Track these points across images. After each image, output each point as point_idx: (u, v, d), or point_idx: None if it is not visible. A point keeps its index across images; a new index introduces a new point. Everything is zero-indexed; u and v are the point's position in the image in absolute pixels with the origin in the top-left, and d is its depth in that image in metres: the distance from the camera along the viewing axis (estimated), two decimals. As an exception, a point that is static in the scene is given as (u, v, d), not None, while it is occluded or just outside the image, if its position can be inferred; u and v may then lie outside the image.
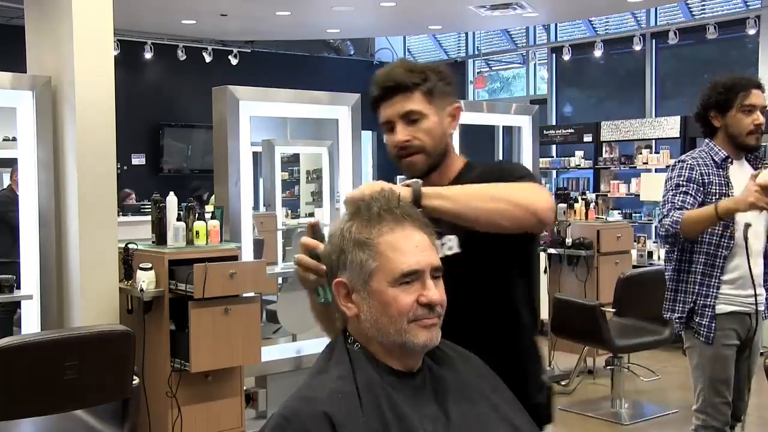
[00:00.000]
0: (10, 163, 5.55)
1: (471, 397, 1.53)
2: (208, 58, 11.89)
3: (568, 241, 5.90)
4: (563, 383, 5.51)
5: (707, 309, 3.01)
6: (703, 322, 3.02)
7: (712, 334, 3.01)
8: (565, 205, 6.27)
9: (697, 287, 3.03)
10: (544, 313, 5.69)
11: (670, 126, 9.63)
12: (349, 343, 1.53)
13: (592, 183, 10.69)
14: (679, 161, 3.07)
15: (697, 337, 3.04)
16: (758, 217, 3.03)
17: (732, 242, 2.97)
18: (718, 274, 2.98)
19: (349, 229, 1.49)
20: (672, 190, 2.99)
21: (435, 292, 1.47)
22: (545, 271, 6.02)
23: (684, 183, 2.98)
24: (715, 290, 3.00)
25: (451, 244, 1.75)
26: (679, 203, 2.94)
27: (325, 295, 1.56)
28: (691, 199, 2.94)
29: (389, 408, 1.43)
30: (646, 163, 9.79)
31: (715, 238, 2.98)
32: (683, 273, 3.07)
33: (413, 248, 1.47)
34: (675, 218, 2.89)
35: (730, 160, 3.01)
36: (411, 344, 1.46)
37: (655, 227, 3.09)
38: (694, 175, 2.98)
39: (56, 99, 3.87)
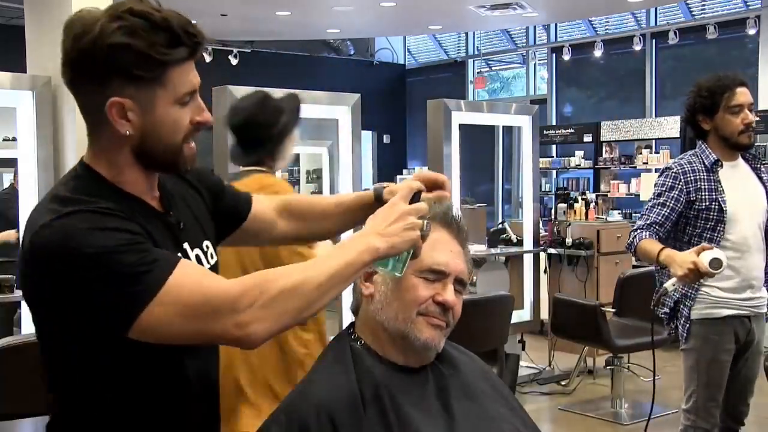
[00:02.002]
0: (10, 163, 5.55)
1: (473, 396, 1.54)
2: (208, 58, 11.87)
3: (568, 241, 5.90)
4: (563, 383, 5.51)
5: (684, 309, 3.01)
6: (680, 321, 3.02)
7: (685, 334, 3.01)
8: (565, 205, 6.27)
9: (679, 286, 3.00)
10: (544, 313, 5.69)
11: (670, 126, 9.64)
12: (352, 339, 1.53)
13: (592, 183, 10.70)
14: (666, 168, 3.07)
15: (680, 339, 3.04)
16: (756, 216, 3.02)
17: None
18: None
19: None
20: (653, 198, 3.02)
21: (452, 295, 1.50)
22: (545, 271, 6.02)
23: (665, 192, 2.99)
24: (693, 291, 2.98)
25: (212, 251, 1.48)
26: (653, 216, 2.96)
27: (400, 265, 1.37)
28: (667, 210, 2.96)
29: (391, 405, 1.43)
30: (646, 163, 9.80)
31: (704, 241, 2.93)
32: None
33: (448, 251, 1.52)
34: (634, 241, 2.95)
35: (720, 163, 2.99)
36: (413, 337, 1.47)
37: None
38: (677, 184, 2.97)
39: (56, 99, 3.87)
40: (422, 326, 1.48)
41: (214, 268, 1.46)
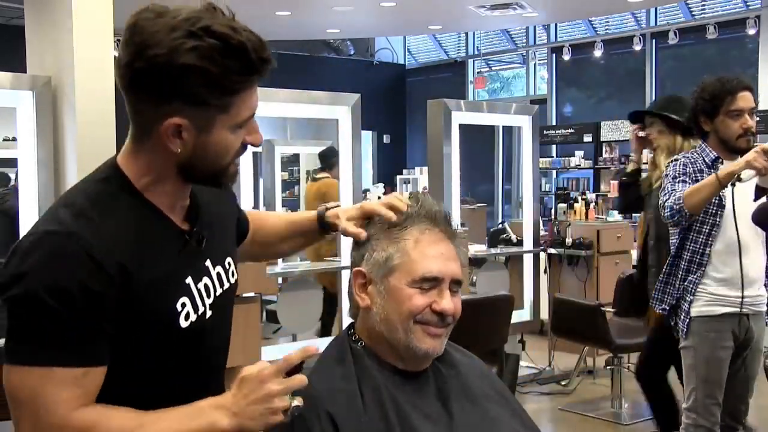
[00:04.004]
0: (10, 163, 5.55)
1: (473, 398, 1.53)
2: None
3: (568, 241, 5.90)
4: (563, 383, 5.51)
5: (685, 303, 3.03)
6: (680, 317, 3.05)
7: (685, 329, 3.03)
8: (565, 205, 6.27)
9: (679, 282, 3.05)
10: (544, 313, 5.69)
11: (670, 126, 9.62)
12: (352, 341, 1.53)
13: (592, 183, 10.69)
14: (673, 160, 3.12)
15: (680, 335, 3.07)
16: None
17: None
18: (701, 270, 2.99)
19: (380, 219, 1.52)
20: (671, 182, 3.03)
21: (449, 302, 1.47)
22: (545, 271, 6.02)
23: (680, 174, 3.02)
24: (693, 286, 3.00)
25: (233, 268, 1.46)
26: (678, 188, 2.97)
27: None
28: (689, 186, 2.95)
29: (392, 407, 1.43)
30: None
31: (702, 236, 2.98)
32: (673, 267, 3.10)
33: (438, 254, 1.48)
34: (677, 195, 2.91)
35: (720, 160, 3.02)
36: (415, 348, 1.47)
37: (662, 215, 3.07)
38: (687, 170, 3.01)
39: (56, 99, 3.87)
40: (421, 336, 1.46)
41: (234, 287, 1.44)
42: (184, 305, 1.29)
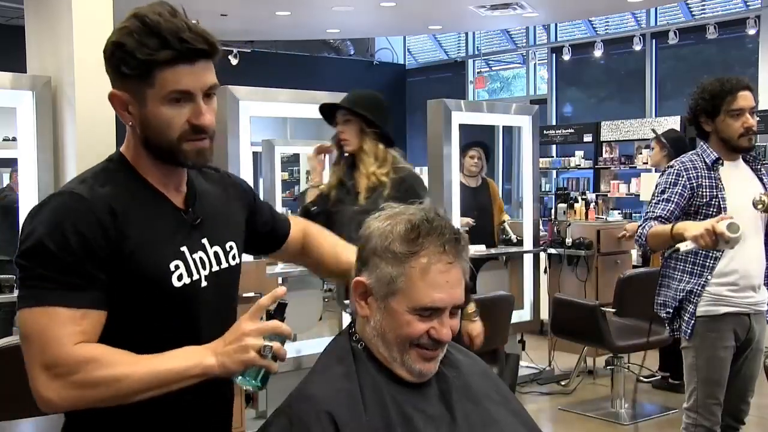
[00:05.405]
0: (10, 163, 5.55)
1: (476, 398, 1.53)
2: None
3: (568, 241, 5.89)
4: (563, 383, 5.51)
5: (689, 305, 3.03)
6: (684, 318, 3.05)
7: (689, 330, 3.02)
8: (565, 205, 6.27)
9: (683, 284, 3.05)
10: (544, 313, 5.69)
11: (670, 126, 9.63)
12: (353, 341, 1.53)
13: (592, 183, 10.69)
14: (668, 166, 3.12)
15: (683, 336, 3.07)
16: (756, 215, 3.04)
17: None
18: (706, 273, 3.00)
19: (390, 233, 1.47)
20: (657, 195, 3.05)
21: (448, 331, 1.46)
22: (545, 271, 6.02)
23: (668, 188, 3.02)
24: (699, 288, 3.01)
25: (235, 252, 1.56)
26: (658, 212, 2.99)
27: (252, 381, 1.35)
28: (672, 205, 2.99)
29: (393, 407, 1.43)
30: (646, 163, 9.79)
31: None
32: (676, 270, 3.10)
33: (443, 283, 1.44)
34: (643, 231, 2.98)
35: (720, 161, 3.03)
36: (409, 366, 1.47)
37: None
38: (679, 181, 3.01)
39: (56, 99, 3.87)
40: (416, 358, 1.46)
41: (234, 270, 1.55)
42: (177, 267, 1.41)
